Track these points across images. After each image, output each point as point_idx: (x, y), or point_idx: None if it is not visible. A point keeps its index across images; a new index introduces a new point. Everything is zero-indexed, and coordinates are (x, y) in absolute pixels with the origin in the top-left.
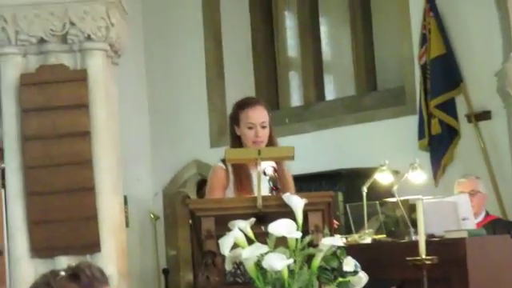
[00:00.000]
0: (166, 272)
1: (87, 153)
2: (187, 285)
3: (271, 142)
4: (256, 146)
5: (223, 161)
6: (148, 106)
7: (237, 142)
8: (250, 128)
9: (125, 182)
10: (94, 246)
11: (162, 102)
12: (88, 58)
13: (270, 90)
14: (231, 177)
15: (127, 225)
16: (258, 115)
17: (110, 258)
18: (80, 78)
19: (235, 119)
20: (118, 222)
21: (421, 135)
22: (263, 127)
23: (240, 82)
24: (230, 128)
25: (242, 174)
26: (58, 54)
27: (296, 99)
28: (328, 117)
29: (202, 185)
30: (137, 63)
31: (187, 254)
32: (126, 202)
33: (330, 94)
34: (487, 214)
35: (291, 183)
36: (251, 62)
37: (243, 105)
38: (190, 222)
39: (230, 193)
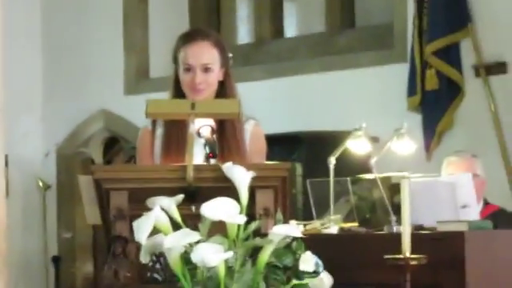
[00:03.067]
0: (56, 260)
1: None
2: (85, 279)
3: (225, 95)
4: (194, 95)
5: (154, 120)
6: (41, 37)
7: (179, 89)
8: (187, 70)
9: (5, 136)
10: None
11: (59, 32)
12: None
13: (209, 21)
14: (157, 141)
15: (7, 194)
16: (199, 53)
17: None
18: None
19: (175, 58)
20: None
21: (411, 91)
22: (205, 70)
23: (169, 7)
24: (173, 70)
25: (172, 135)
26: None
27: (244, 35)
28: (286, 60)
29: (111, 144)
30: None
31: (87, 238)
32: (6, 164)
33: (290, 29)
34: (486, 204)
35: (259, 151)
36: None
37: (184, 38)
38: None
39: (157, 160)
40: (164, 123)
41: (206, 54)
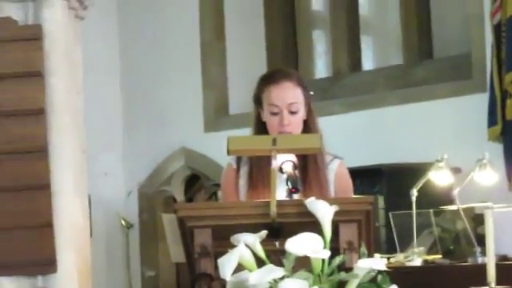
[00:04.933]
0: None
1: (41, 138)
2: None
3: (309, 132)
4: None
5: (238, 156)
6: (120, 76)
7: (261, 129)
8: (274, 114)
9: (88, 177)
10: (49, 264)
11: (139, 71)
12: (44, 9)
13: (286, 56)
14: (242, 179)
15: (90, 235)
16: (284, 94)
17: (69, 281)
18: (33, 36)
19: (258, 99)
20: (80, 232)
21: (492, 121)
22: (292, 112)
23: (246, 45)
24: (254, 111)
25: (257, 171)
26: (2, 3)
27: (322, 69)
28: (364, 93)
29: (192, 182)
30: (107, 18)
31: (170, 276)
32: (89, 204)
33: (368, 62)
34: None
35: (345, 191)
36: (262, 18)
37: (266, 80)
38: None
39: (243, 198)
40: (249, 160)
41: (290, 93)
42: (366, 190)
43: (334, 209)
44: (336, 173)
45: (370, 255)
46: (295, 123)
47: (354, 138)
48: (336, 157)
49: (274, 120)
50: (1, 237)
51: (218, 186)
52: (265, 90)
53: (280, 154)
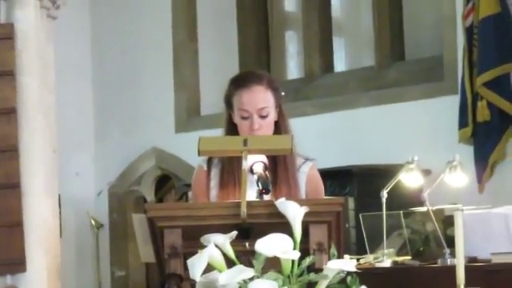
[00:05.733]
0: None
1: (12, 137)
2: None
3: (280, 134)
4: None
5: (209, 158)
6: (92, 76)
7: (233, 131)
8: (244, 118)
9: (58, 176)
10: (18, 264)
11: (111, 71)
12: (17, 8)
13: (259, 57)
14: (213, 179)
15: (60, 234)
16: (254, 99)
17: (38, 280)
18: (5, 35)
19: (228, 102)
20: (51, 231)
21: (462, 123)
22: (262, 116)
23: (219, 45)
24: (225, 112)
25: (228, 172)
26: None
27: (294, 70)
28: (336, 95)
29: (162, 182)
30: (79, 17)
31: (140, 277)
32: (59, 204)
33: (340, 64)
34: None
35: (317, 195)
36: (235, 19)
37: (236, 83)
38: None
39: (213, 199)
40: (220, 161)
41: (261, 97)
42: (336, 192)
43: (304, 210)
44: (308, 175)
45: (340, 256)
46: (266, 127)
47: (326, 139)
48: (308, 159)
49: (245, 124)
50: None
51: (188, 186)
52: (235, 94)
53: (251, 154)
